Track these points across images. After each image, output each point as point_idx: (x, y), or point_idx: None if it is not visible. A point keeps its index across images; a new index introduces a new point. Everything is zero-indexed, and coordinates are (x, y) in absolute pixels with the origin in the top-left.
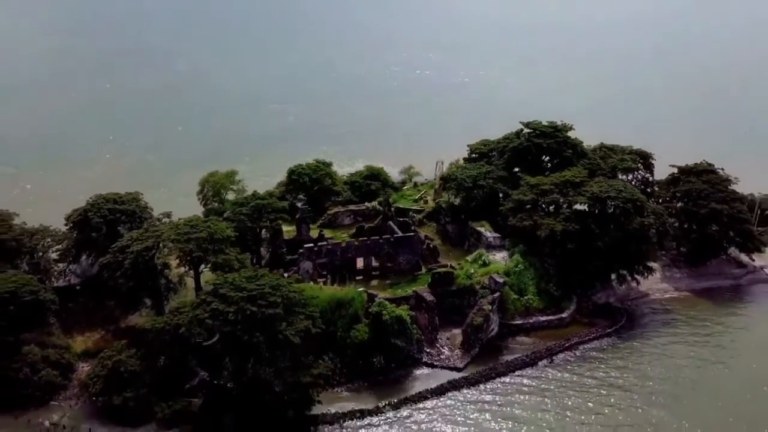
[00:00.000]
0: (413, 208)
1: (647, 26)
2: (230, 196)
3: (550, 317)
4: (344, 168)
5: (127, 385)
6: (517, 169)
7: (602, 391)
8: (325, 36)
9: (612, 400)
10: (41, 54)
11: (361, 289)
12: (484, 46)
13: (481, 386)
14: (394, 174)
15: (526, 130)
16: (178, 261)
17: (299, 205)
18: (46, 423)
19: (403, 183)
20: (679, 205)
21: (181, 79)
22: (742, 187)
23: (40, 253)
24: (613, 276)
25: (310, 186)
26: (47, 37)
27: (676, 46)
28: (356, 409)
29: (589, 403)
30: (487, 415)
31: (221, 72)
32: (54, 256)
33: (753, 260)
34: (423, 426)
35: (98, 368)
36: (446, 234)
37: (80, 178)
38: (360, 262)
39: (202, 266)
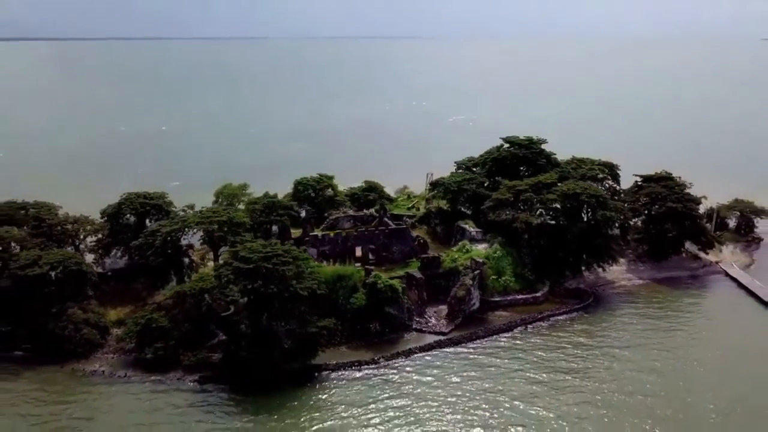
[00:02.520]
0: (407, 213)
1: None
2: (242, 206)
3: (526, 296)
4: (345, 184)
5: (158, 339)
6: (497, 177)
7: (567, 347)
8: (330, 86)
9: (577, 352)
10: (64, 100)
11: (358, 265)
12: (472, 90)
13: (463, 345)
14: (390, 193)
15: (506, 145)
16: (201, 242)
17: (304, 212)
18: (88, 369)
19: (398, 196)
20: (642, 203)
21: (191, 121)
22: (705, 200)
23: (81, 236)
24: (582, 266)
25: (314, 197)
26: (70, 86)
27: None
28: (354, 359)
29: (556, 353)
30: (467, 364)
31: (230, 115)
32: (91, 241)
33: (707, 254)
34: (412, 372)
35: (132, 325)
36: (436, 234)
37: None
38: (359, 251)
39: (222, 248)
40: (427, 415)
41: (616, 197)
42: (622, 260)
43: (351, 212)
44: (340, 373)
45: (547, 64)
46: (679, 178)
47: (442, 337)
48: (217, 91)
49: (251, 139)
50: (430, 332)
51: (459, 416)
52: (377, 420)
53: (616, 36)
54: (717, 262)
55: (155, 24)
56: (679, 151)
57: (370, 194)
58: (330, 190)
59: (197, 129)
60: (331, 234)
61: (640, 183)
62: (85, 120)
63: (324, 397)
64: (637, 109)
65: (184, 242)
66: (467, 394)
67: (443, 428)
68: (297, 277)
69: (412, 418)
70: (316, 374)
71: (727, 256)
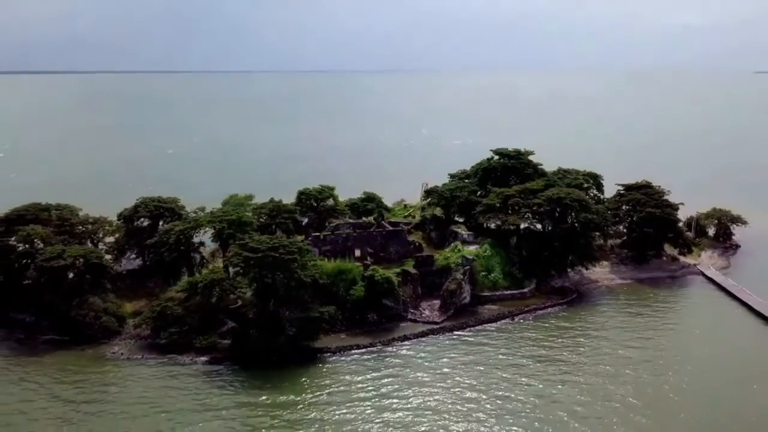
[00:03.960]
0: (403, 221)
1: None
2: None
3: (514, 291)
4: (345, 196)
5: (172, 325)
6: (488, 186)
7: (550, 331)
8: (322, 115)
9: (558, 335)
10: (77, 128)
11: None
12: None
13: (454, 333)
14: (388, 204)
15: (496, 157)
16: (211, 238)
17: (306, 220)
18: (108, 353)
19: (395, 207)
20: (624, 211)
21: (196, 146)
22: (687, 211)
23: (100, 235)
24: (567, 266)
25: (316, 206)
26: (86, 115)
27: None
28: (353, 343)
29: (539, 336)
30: (457, 345)
31: (234, 139)
32: (109, 241)
33: (685, 255)
34: (406, 351)
35: (148, 312)
36: (431, 240)
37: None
38: (358, 252)
39: (231, 245)
40: (419, 383)
41: (599, 205)
42: (605, 263)
43: (351, 220)
44: (339, 355)
45: (536, 93)
46: (659, 186)
47: (434, 326)
48: (217, 119)
49: (254, 161)
50: (423, 322)
51: (448, 383)
52: (372, 387)
53: (618, 69)
54: (695, 265)
55: (135, 59)
56: (663, 165)
57: (369, 204)
58: (331, 200)
59: (202, 152)
60: (332, 234)
61: (622, 191)
62: (92, 143)
63: (325, 372)
64: (623, 133)
65: (195, 240)
66: (457, 368)
67: (434, 392)
68: (301, 266)
69: (405, 386)
70: (318, 356)
71: (705, 260)
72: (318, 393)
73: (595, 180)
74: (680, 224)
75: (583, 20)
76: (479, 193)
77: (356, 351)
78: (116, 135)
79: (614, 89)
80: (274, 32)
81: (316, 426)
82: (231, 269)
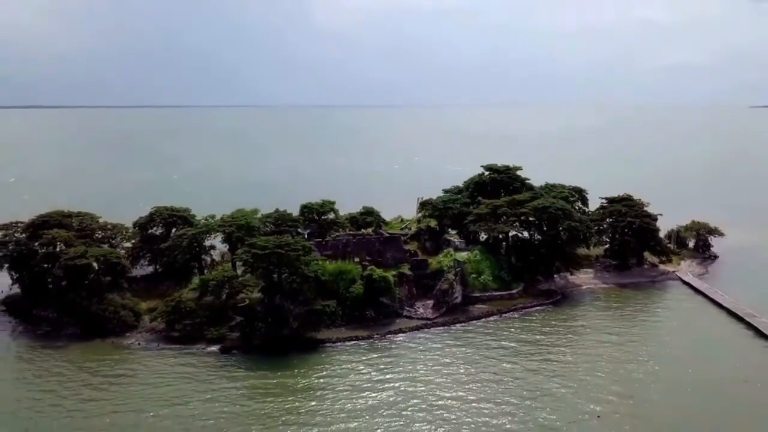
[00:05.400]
0: (400, 232)
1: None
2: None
3: (502, 293)
4: (345, 210)
5: (185, 318)
6: (479, 199)
7: (534, 326)
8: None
9: (542, 328)
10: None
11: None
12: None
13: (446, 327)
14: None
15: (486, 172)
16: (221, 241)
17: (309, 231)
18: (125, 343)
19: (392, 221)
20: (608, 223)
21: (201, 171)
22: (669, 224)
23: (118, 239)
24: (553, 271)
25: (317, 219)
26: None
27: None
28: (353, 335)
29: (524, 329)
30: (449, 337)
31: (235, 166)
32: (125, 246)
33: (665, 263)
34: (401, 341)
35: (163, 307)
36: (425, 249)
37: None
38: (357, 259)
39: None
40: (411, 363)
41: (583, 215)
42: (589, 270)
43: (350, 232)
44: (340, 345)
45: (535, 128)
46: (639, 199)
47: (428, 321)
48: (210, 150)
49: (257, 185)
50: (418, 318)
51: (438, 363)
52: (368, 367)
53: (623, 104)
54: (674, 272)
55: (127, 94)
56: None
57: (368, 217)
58: (332, 213)
59: (206, 177)
60: (333, 240)
61: (605, 204)
62: (98, 170)
63: (326, 356)
64: (627, 164)
65: (206, 244)
66: (447, 357)
67: (425, 369)
68: (304, 263)
69: (400, 368)
70: (320, 346)
71: (684, 267)
72: (319, 371)
73: (580, 194)
74: (661, 235)
75: (584, 63)
76: (471, 206)
77: (355, 341)
78: (118, 164)
79: (618, 124)
80: (244, 68)
81: (317, 394)
82: (240, 267)
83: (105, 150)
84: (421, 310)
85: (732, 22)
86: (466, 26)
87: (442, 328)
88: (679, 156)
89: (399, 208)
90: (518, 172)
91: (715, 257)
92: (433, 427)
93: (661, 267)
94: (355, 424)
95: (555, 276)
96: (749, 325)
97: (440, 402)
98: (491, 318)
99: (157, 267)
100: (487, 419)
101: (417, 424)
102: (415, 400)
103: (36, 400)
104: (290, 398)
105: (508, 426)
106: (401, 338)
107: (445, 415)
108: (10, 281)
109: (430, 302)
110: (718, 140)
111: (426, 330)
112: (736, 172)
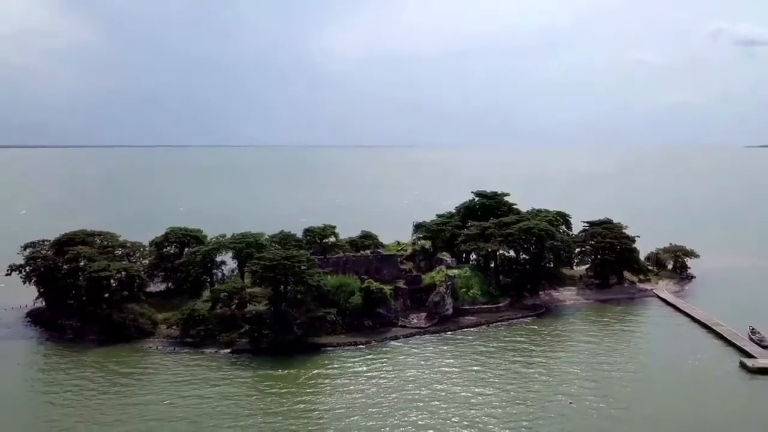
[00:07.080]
0: (397, 253)
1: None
2: None
3: (491, 305)
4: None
5: (198, 325)
6: (469, 222)
7: (521, 332)
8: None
9: (525, 334)
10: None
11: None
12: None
13: (438, 335)
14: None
15: (476, 198)
16: (232, 257)
17: (310, 253)
18: (144, 347)
19: (389, 244)
20: (590, 245)
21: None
22: (649, 247)
23: (136, 256)
24: (537, 287)
25: (319, 242)
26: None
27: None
28: (352, 341)
29: (510, 336)
30: (440, 342)
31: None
32: (142, 262)
33: (644, 282)
34: (397, 345)
35: (179, 315)
36: (420, 269)
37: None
38: (355, 277)
39: (248, 263)
40: (405, 363)
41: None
42: (573, 288)
43: (349, 253)
44: (339, 349)
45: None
46: (619, 223)
47: (421, 330)
48: (207, 186)
49: (259, 217)
50: (412, 327)
51: (430, 363)
52: (366, 366)
53: (624, 147)
54: (652, 289)
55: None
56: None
57: (366, 240)
58: (333, 237)
59: (212, 208)
60: (333, 258)
61: (586, 227)
62: (106, 202)
63: (327, 358)
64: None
65: (218, 260)
66: (439, 358)
67: (417, 367)
68: (308, 274)
69: (394, 364)
70: (322, 349)
71: (662, 286)
72: (320, 369)
73: (564, 218)
74: (638, 255)
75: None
76: (462, 229)
77: (354, 345)
78: (126, 196)
79: (619, 167)
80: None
81: (319, 389)
82: (248, 278)
83: (99, 187)
84: (415, 321)
85: (725, 66)
86: (464, 74)
87: (434, 335)
88: (679, 194)
89: (396, 233)
90: (506, 198)
91: (692, 278)
92: (426, 414)
93: (640, 285)
94: (355, 416)
95: (540, 292)
96: (716, 333)
97: (432, 393)
98: (480, 327)
99: (170, 284)
100: (473, 409)
101: (413, 413)
102: (409, 394)
103: (66, 391)
104: (294, 391)
105: (491, 410)
106: (396, 343)
107: (433, 403)
108: (36, 295)
109: (423, 314)
110: (719, 178)
111: (419, 337)
112: (728, 207)
